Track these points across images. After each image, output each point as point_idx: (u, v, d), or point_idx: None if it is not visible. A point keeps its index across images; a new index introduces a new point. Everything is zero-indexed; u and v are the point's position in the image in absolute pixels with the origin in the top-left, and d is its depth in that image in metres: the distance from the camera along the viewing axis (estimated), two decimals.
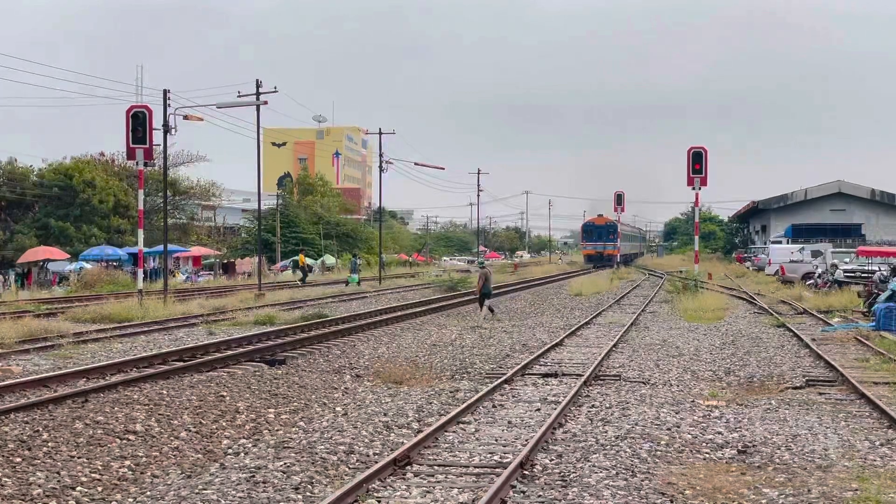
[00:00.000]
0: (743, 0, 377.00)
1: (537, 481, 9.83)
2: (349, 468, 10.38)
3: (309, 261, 74.76)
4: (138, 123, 34.80)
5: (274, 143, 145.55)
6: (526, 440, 11.59)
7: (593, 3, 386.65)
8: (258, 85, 45.70)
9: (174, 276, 59.31)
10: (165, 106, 39.04)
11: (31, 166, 75.77)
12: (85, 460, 10.43)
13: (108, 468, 10.19)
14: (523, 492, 9.46)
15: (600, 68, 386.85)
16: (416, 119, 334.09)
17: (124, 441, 11.38)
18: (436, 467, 10.33)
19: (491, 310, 30.21)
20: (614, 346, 22.16)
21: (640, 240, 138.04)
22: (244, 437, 11.96)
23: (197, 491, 9.46)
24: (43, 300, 39.19)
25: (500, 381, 16.23)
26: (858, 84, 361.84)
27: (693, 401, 14.90)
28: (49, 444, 11.03)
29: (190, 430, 12.12)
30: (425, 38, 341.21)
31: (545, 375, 17.54)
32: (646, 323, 29.45)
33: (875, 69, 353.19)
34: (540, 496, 9.31)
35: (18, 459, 10.33)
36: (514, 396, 15.27)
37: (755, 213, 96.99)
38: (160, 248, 52.92)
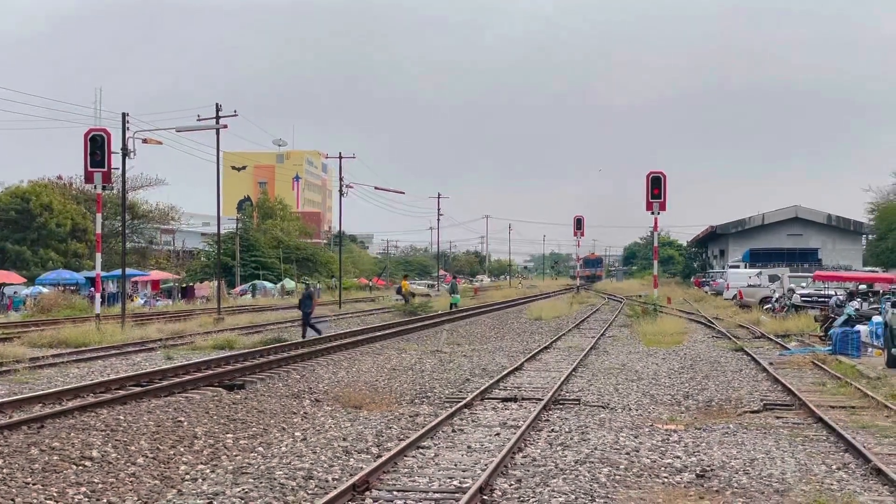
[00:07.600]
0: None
1: None
2: (308, 494, 10.31)
3: (415, 286, 74.95)
4: (97, 147, 34.61)
5: (234, 167, 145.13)
6: (485, 465, 11.57)
7: (546, 27, 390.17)
8: (218, 109, 45.64)
9: (132, 300, 58.89)
10: (124, 129, 38.83)
11: None
12: (40, 487, 10.29)
13: (63, 495, 10.06)
14: None
15: (555, 93, 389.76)
16: (376, 143, 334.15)
17: (80, 467, 11.24)
18: (395, 493, 10.28)
19: (317, 330, 32.07)
20: (574, 370, 22.22)
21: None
22: (202, 463, 11.86)
23: None
24: None
25: (459, 405, 16.22)
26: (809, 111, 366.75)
27: (652, 425, 14.95)
28: (3, 470, 10.88)
29: (147, 456, 12.00)
30: (384, 61, 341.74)
31: (505, 400, 17.54)
32: (605, 347, 29.55)
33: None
34: None
35: None
36: (473, 421, 15.26)
37: (713, 238, 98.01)
38: (118, 272, 52.58)
